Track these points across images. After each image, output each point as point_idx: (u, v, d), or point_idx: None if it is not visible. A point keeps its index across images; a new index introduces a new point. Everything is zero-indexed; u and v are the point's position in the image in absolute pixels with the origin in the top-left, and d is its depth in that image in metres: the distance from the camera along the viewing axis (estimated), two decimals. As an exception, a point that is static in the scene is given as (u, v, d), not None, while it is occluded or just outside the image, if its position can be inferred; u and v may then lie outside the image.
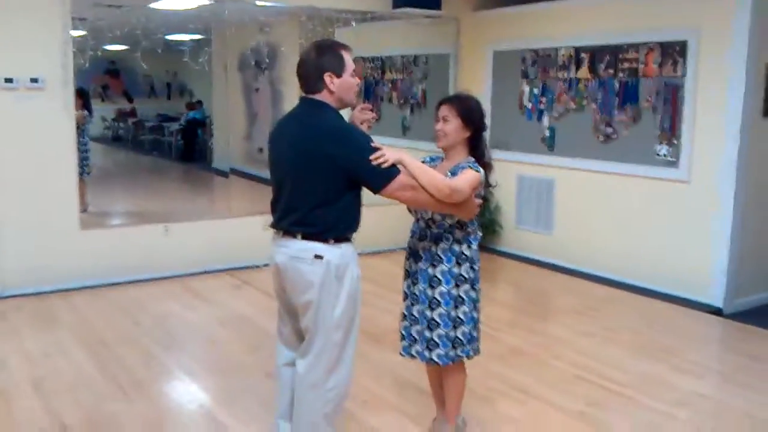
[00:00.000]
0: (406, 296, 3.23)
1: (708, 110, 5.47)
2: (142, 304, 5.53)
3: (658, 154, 5.81)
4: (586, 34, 6.32)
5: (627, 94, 6.02)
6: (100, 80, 13.63)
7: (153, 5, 7.35)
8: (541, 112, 6.81)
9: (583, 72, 6.37)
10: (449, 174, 3.00)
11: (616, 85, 6.09)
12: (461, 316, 3.11)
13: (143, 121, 14.51)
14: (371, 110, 3.09)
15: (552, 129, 6.70)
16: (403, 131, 8.24)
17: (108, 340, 4.74)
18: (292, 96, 9.71)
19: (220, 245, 6.47)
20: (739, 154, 5.32)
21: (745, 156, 5.35)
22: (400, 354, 3.31)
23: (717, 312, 5.42)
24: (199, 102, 13.36)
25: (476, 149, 3.12)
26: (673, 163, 5.70)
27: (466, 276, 3.10)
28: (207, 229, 6.50)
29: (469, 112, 3.09)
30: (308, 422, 2.90)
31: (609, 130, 6.18)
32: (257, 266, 6.47)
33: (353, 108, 3.01)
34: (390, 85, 8.41)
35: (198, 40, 10.12)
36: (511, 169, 7.03)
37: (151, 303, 5.56)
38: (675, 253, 5.73)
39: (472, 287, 3.14)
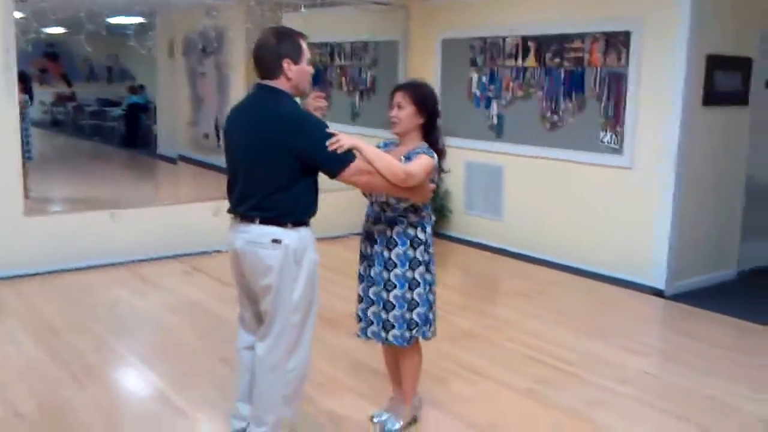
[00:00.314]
0: (362, 279, 3.28)
1: (650, 99, 5.65)
2: (90, 291, 5.44)
3: (602, 142, 5.97)
4: (534, 23, 6.44)
5: (573, 82, 6.17)
6: (38, 64, 13.24)
7: (96, -14, 7.19)
8: (489, 100, 6.91)
9: (530, 61, 6.50)
10: (404, 159, 3.05)
11: (562, 73, 6.23)
12: (416, 298, 3.18)
13: (83, 106, 14.15)
14: (324, 98, 3.11)
15: (500, 116, 6.82)
16: (353, 117, 8.26)
17: (57, 327, 4.66)
18: (238, 81, 9.64)
19: (169, 231, 6.40)
20: (680, 141, 5.51)
21: (685, 143, 5.54)
22: (357, 335, 3.37)
23: (659, 294, 5.62)
24: (141, 86, 13.09)
25: (430, 135, 3.18)
26: (617, 150, 5.87)
27: (421, 259, 3.16)
28: (155, 216, 6.42)
29: (422, 98, 3.14)
30: (268, 404, 2.93)
31: (555, 117, 6.32)
32: (207, 252, 6.44)
33: (306, 96, 3.01)
34: (339, 72, 8.41)
35: (141, 23, 9.93)
36: (460, 156, 7.11)
37: (100, 290, 5.48)
38: (619, 237, 5.92)
39: (427, 270, 3.20)
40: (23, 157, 5.95)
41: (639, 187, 5.78)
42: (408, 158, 3.06)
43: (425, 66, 7.44)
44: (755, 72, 5.93)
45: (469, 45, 7.03)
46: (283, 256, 2.77)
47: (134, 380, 4.02)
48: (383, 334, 3.22)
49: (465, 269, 6.58)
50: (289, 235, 2.78)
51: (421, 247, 3.16)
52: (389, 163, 2.86)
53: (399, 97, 3.13)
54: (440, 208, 7.23)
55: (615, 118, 5.87)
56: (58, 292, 5.40)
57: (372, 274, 3.21)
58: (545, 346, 4.53)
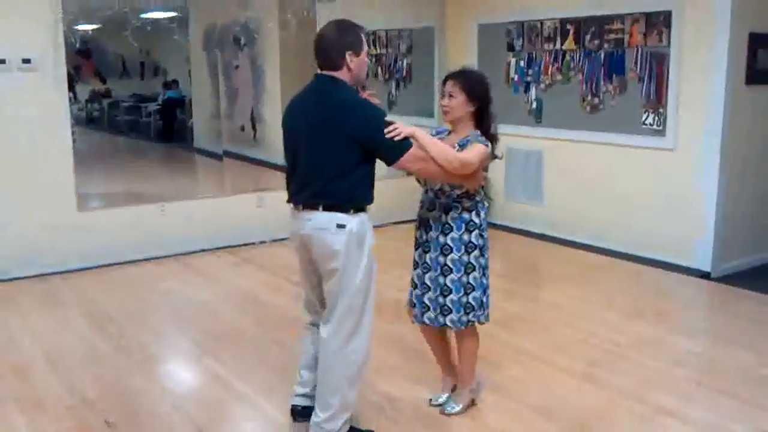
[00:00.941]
0: (416, 265, 3.36)
1: (692, 79, 5.62)
2: (144, 283, 5.58)
3: (644, 124, 5.95)
4: (571, 5, 6.42)
5: (613, 64, 6.15)
6: (72, 61, 13.44)
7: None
8: (527, 84, 6.92)
9: (569, 43, 6.48)
10: (457, 147, 3.11)
11: (602, 55, 6.21)
12: (472, 282, 3.24)
13: (119, 102, 14.35)
14: (375, 95, 3.16)
15: (539, 101, 6.82)
16: (389, 106, 8.30)
17: (116, 317, 4.80)
18: (273, 72, 9.72)
19: (216, 223, 6.51)
20: (723, 121, 5.48)
21: (728, 123, 5.51)
22: (413, 322, 3.43)
23: (705, 276, 5.61)
24: (175, 81, 13.24)
25: (482, 122, 3.22)
26: (660, 132, 5.85)
27: (476, 243, 3.22)
28: (201, 208, 6.54)
29: (473, 86, 3.19)
30: (333, 386, 3.03)
31: (596, 100, 6.31)
32: (253, 243, 6.56)
33: (362, 87, 3.07)
34: (375, 60, 8.45)
35: (173, 17, 10.03)
36: (500, 142, 7.12)
37: (153, 281, 5.62)
38: (663, 219, 5.91)
39: (482, 254, 3.26)
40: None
41: (682, 169, 5.76)
42: (461, 146, 3.12)
43: (462, 52, 7.45)
44: (799, 49, 5.87)
45: (506, 29, 7.03)
46: (347, 240, 2.87)
47: (196, 368, 4.13)
48: (441, 319, 3.29)
49: (508, 255, 6.61)
50: (352, 221, 2.87)
51: (476, 231, 3.22)
52: (444, 151, 2.94)
53: (450, 85, 3.19)
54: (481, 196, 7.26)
55: (657, 99, 5.85)
56: (113, 284, 5.54)
57: (428, 259, 3.28)
58: (595, 329, 4.56)
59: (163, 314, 4.90)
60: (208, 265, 6.04)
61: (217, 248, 6.45)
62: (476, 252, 3.23)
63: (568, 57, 6.52)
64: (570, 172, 6.65)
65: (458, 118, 3.21)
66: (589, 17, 6.28)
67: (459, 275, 3.23)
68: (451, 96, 3.18)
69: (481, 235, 3.25)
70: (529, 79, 6.90)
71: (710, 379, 3.85)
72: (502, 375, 3.89)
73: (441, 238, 3.23)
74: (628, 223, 6.19)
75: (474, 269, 3.23)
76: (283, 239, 6.73)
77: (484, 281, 3.30)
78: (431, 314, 3.33)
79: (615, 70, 6.14)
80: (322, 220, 2.88)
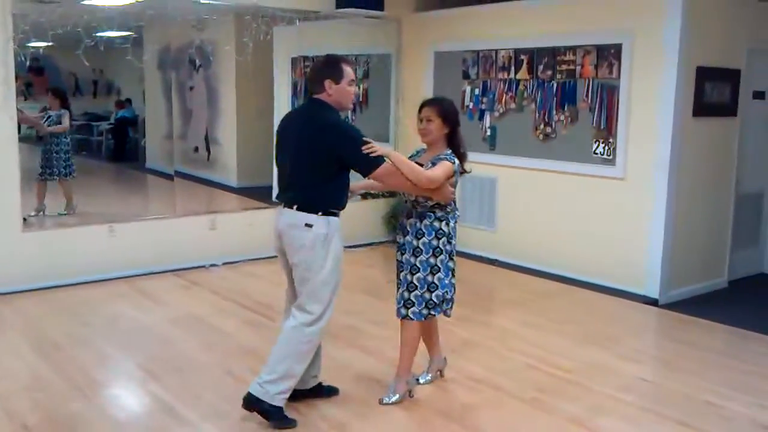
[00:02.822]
0: (399, 266, 3.79)
1: (642, 110, 5.76)
2: (90, 306, 5.44)
3: (595, 153, 6.07)
4: (526, 36, 6.54)
5: (565, 94, 6.27)
6: (24, 78, 13.18)
7: (86, 2, 7.20)
8: (482, 112, 7.00)
9: (523, 73, 6.60)
10: (430, 164, 3.60)
11: (555, 85, 6.33)
12: (436, 282, 3.69)
13: (70, 120, 14.07)
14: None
15: (493, 128, 6.91)
16: (345, 130, 8.31)
17: (59, 341, 4.67)
18: (229, 94, 9.68)
19: (165, 245, 6.41)
20: (671, 152, 5.62)
21: (676, 154, 5.65)
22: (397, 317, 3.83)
23: (653, 303, 5.71)
24: (128, 100, 13.07)
25: (453, 142, 3.73)
26: (610, 161, 5.97)
27: (443, 248, 3.68)
28: (151, 230, 6.43)
29: (447, 112, 3.72)
30: (284, 353, 3.49)
31: (548, 129, 6.42)
32: (204, 266, 6.47)
33: (348, 110, 3.75)
34: (332, 85, 8.46)
35: (128, 36, 9.93)
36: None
37: (100, 304, 5.48)
38: (613, 247, 6.01)
39: (450, 258, 3.72)
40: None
41: (631, 198, 5.87)
42: (433, 163, 3.60)
43: (418, 79, 7.53)
44: (743, 83, 6.07)
45: (462, 58, 7.12)
46: (313, 238, 3.36)
47: (140, 393, 4.03)
48: (403, 311, 3.73)
49: (461, 280, 6.50)
50: (319, 222, 3.37)
51: (444, 239, 3.68)
52: (412, 169, 3.45)
53: (427, 111, 3.70)
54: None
55: (607, 130, 5.97)
56: (57, 307, 5.39)
57: (403, 260, 3.74)
58: (545, 355, 4.59)
59: (109, 338, 4.78)
60: (157, 288, 5.92)
61: (167, 271, 6.34)
62: (443, 256, 3.68)
63: (521, 86, 6.63)
64: (523, 198, 6.73)
65: (434, 139, 3.70)
66: (543, 48, 6.40)
67: (425, 274, 3.67)
68: (429, 120, 3.67)
69: (449, 242, 3.71)
70: (483, 106, 6.99)
71: (657, 405, 3.90)
72: (452, 400, 3.89)
73: (414, 242, 3.69)
74: (578, 250, 6.27)
75: (439, 270, 3.69)
76: (235, 262, 6.67)
77: (446, 281, 3.72)
78: (403, 310, 3.74)
79: (567, 100, 6.26)
80: (294, 218, 3.39)
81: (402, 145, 7.69)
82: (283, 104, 9.04)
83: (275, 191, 3.63)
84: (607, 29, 5.93)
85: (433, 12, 7.46)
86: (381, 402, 3.80)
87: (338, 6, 7.09)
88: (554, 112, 6.36)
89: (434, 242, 3.66)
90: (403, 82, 7.76)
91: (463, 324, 5.14)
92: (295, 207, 3.40)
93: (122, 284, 5.97)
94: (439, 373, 4.13)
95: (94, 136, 13.59)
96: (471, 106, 7.09)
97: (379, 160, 3.36)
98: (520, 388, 4.05)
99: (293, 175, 3.44)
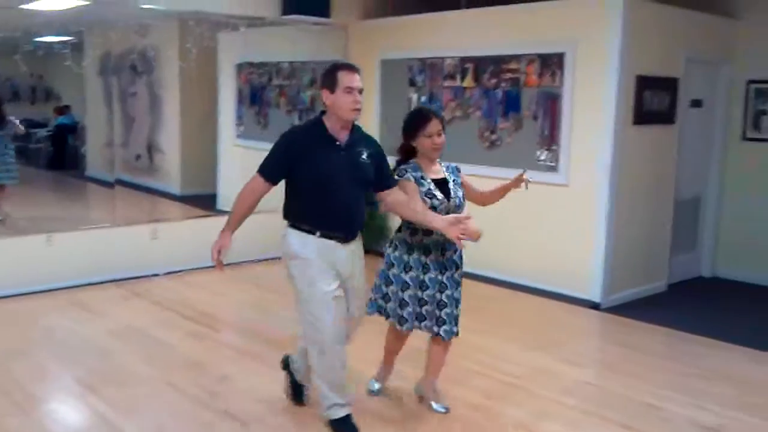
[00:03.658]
0: (424, 285, 3.68)
1: (584, 118, 5.86)
2: (28, 318, 5.27)
3: (539, 160, 6.15)
4: (471, 44, 6.60)
5: (510, 102, 6.34)
6: (-43, 83, 12.74)
7: (24, 6, 7.01)
8: (428, 119, 7.02)
9: (468, 81, 6.65)
10: (452, 175, 3.85)
11: (500, 94, 6.40)
12: (457, 296, 3.82)
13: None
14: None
15: (439, 136, 6.93)
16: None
17: (-7, 355, 4.50)
18: (172, 101, 9.52)
19: (106, 255, 6.25)
20: (612, 159, 5.74)
21: (617, 161, 5.76)
22: (403, 329, 3.84)
23: (595, 306, 5.81)
24: (67, 107, 12.75)
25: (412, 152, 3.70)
26: (553, 168, 6.06)
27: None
28: (92, 239, 6.27)
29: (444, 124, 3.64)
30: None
31: (493, 137, 6.48)
32: (146, 276, 6.34)
33: (349, 121, 3.32)
34: (278, 91, 8.40)
35: (67, 41, 9.69)
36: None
37: (37, 316, 5.31)
38: (556, 253, 6.09)
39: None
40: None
41: (574, 204, 5.97)
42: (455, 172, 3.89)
43: (365, 86, 7.47)
44: (681, 92, 6.23)
45: (408, 65, 7.15)
46: (282, 246, 3.38)
47: (80, 407, 3.90)
48: (435, 329, 3.79)
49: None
50: (289, 232, 3.35)
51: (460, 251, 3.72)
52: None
53: (439, 124, 3.58)
54: (380, 228, 7.29)
55: (551, 137, 6.06)
56: (-9, 319, 5.21)
57: (444, 279, 3.73)
58: (491, 360, 4.61)
59: (47, 351, 4.63)
60: (97, 300, 5.76)
61: (107, 281, 6.18)
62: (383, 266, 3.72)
63: (467, 94, 6.68)
64: (469, 205, 6.74)
65: None
66: (488, 57, 6.47)
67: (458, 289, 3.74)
68: (441, 134, 3.58)
69: (396, 249, 3.72)
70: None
71: (599, 408, 3.95)
72: (400, 408, 3.87)
73: (454, 257, 3.70)
74: (523, 256, 6.34)
75: (460, 284, 3.74)
76: (178, 271, 6.54)
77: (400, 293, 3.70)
78: (428, 323, 3.71)
79: (512, 108, 6.34)
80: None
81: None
82: (227, 111, 8.95)
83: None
84: (550, 39, 6.02)
85: (380, 20, 7.47)
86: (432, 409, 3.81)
87: (284, 13, 7.05)
88: (499, 119, 6.43)
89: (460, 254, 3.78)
90: (350, 90, 7.74)
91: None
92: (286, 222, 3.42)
93: (61, 295, 5.80)
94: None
95: (32, 144, 13.22)
96: (417, 114, 7.10)
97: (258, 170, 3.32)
98: (467, 395, 4.07)
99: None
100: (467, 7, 6.90)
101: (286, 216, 3.38)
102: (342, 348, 3.40)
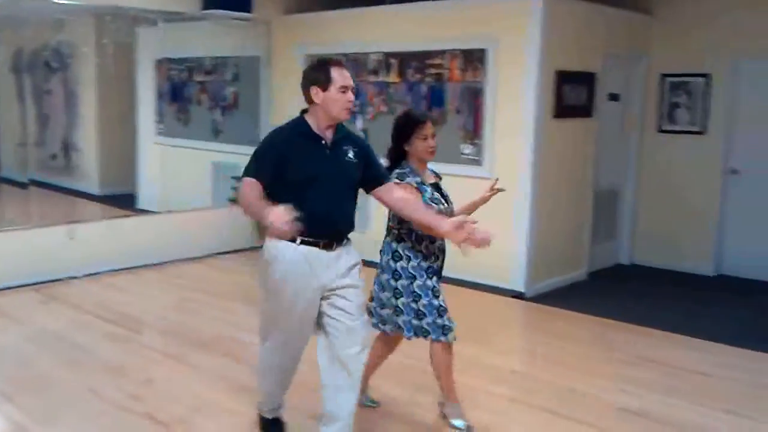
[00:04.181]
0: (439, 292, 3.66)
1: (506, 113, 5.96)
2: (-66, 326, 5.01)
3: (463, 154, 6.22)
4: (395, 40, 6.62)
5: (434, 97, 6.39)
6: None
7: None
8: (354, 115, 7.02)
9: (393, 76, 6.67)
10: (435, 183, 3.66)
11: (424, 88, 6.44)
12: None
13: None
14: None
15: (365, 131, 6.94)
16: (215, 134, 8.12)
17: None
18: (89, 98, 9.21)
19: (20, 258, 6.00)
20: (534, 152, 5.85)
21: (539, 154, 5.88)
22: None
23: (519, 296, 5.91)
24: (-26, 104, 12.19)
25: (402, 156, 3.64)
26: (477, 162, 6.13)
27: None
28: (5, 242, 6.00)
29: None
30: None
31: (418, 131, 6.50)
32: (62, 279, 6.11)
33: (340, 121, 3.09)
34: (199, 87, 8.24)
35: (-23, 38, 9.28)
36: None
37: (-55, 323, 5.06)
38: (482, 244, 6.16)
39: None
40: None
41: (498, 196, 6.01)
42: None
43: (288, 82, 7.44)
44: (599, 86, 6.40)
45: (332, 61, 7.10)
46: (261, 258, 3.10)
47: (-8, 418, 3.74)
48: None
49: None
50: (267, 243, 3.07)
51: (401, 261, 3.57)
52: None
53: (431, 128, 3.55)
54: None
55: (474, 131, 6.14)
56: None
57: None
58: (419, 353, 4.61)
59: (-43, 360, 4.41)
60: (13, 304, 5.53)
61: (24, 285, 5.92)
62: (402, 280, 3.61)
63: (392, 89, 6.70)
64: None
65: None
66: (412, 52, 6.50)
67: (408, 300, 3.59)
68: (434, 136, 3.54)
69: (410, 261, 3.65)
70: (355, 109, 6.99)
71: (526, 395, 4.03)
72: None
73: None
74: (447, 249, 6.38)
75: (402, 296, 3.60)
76: (98, 273, 6.34)
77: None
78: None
79: (436, 103, 6.39)
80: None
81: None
82: (147, 108, 8.72)
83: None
84: (473, 35, 6.09)
85: (303, 14, 7.41)
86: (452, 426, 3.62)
87: (204, 7, 6.90)
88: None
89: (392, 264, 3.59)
90: (273, 86, 7.66)
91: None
92: None
93: (-28, 301, 5.54)
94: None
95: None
96: (342, 109, 7.08)
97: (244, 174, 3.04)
98: (398, 389, 4.07)
99: None
100: (391, 3, 6.91)
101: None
102: (290, 374, 3.30)
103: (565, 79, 6.01)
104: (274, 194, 2.95)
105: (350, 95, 3.01)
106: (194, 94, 8.27)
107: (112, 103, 8.95)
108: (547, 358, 4.63)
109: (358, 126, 6.97)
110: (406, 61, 6.55)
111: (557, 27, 5.84)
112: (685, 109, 6.84)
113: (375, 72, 6.79)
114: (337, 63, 3.03)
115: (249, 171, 3.00)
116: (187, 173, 8.35)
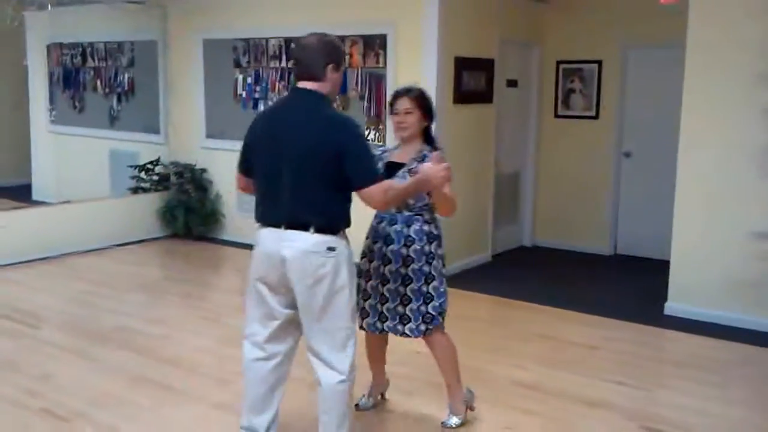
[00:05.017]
0: (372, 276, 3.39)
1: (408, 98, 6.01)
2: None
3: (366, 139, 6.23)
4: (295, 25, 6.55)
5: (336, 83, 6.38)
6: None
7: None
8: (256, 101, 6.94)
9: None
10: (416, 163, 3.20)
11: (326, 74, 6.42)
12: (431, 291, 3.32)
13: None
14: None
15: (267, 117, 6.87)
16: (111, 122, 7.86)
17: None
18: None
19: None
20: (436, 137, 5.92)
21: (440, 140, 5.92)
22: (362, 328, 3.41)
23: (425, 279, 6.01)
24: None
25: (430, 137, 3.40)
26: (381, 147, 6.16)
27: (435, 252, 3.31)
28: None
29: (428, 103, 3.33)
30: (335, 419, 2.93)
31: (321, 117, 6.50)
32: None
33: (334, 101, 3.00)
34: (94, 73, 7.95)
35: None
36: (229, 158, 7.04)
37: None
38: (386, 229, 6.23)
39: (442, 263, 3.37)
40: None
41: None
42: (422, 161, 3.18)
43: (187, 67, 7.29)
44: (497, 72, 6.55)
45: (233, 46, 7.00)
46: (336, 263, 2.84)
47: None
48: (399, 327, 3.36)
49: (242, 272, 6.54)
50: (341, 243, 2.87)
51: (435, 242, 3.32)
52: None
53: (405, 102, 3.27)
54: (211, 213, 7.13)
55: (377, 117, 6.18)
56: None
57: (386, 271, 3.33)
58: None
59: None
60: None
61: None
62: (435, 262, 3.30)
63: (293, 75, 6.64)
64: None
65: (413, 134, 3.30)
66: (312, 36, 6.45)
67: (419, 285, 3.29)
68: (408, 112, 3.26)
69: (440, 245, 3.34)
70: (257, 95, 6.93)
71: (429, 375, 4.10)
72: (230, 390, 3.82)
73: (403, 250, 3.28)
74: (352, 237, 6.41)
75: (434, 279, 3.30)
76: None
77: (443, 290, 3.35)
78: (390, 323, 3.37)
79: (339, 88, 6.37)
80: (312, 242, 2.77)
81: (174, 136, 7.42)
82: (39, 96, 8.36)
83: (259, 209, 2.92)
84: (372, 20, 6.12)
85: (201, -2, 7.26)
86: (443, 425, 3.50)
87: (96, -11, 6.67)
88: (339, 99, 6.46)
89: (426, 248, 3.28)
90: (172, 71, 7.47)
91: (241, 315, 5.08)
92: (311, 229, 2.77)
93: None
94: (380, 396, 3.79)
95: None
96: (244, 95, 7.00)
97: (372, 176, 2.78)
98: (303, 373, 4.07)
99: (299, 188, 2.77)
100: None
101: (337, 223, 2.93)
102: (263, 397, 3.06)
103: (463, 65, 6.12)
104: (340, 182, 2.78)
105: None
106: (89, 81, 7.98)
107: (3, 90, 8.54)
108: (455, 340, 4.72)
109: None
110: (307, 46, 6.51)
111: (454, 13, 5.93)
112: (580, 94, 7.10)
113: (276, 57, 6.73)
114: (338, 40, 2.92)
115: (378, 171, 2.88)
116: (83, 162, 8.07)
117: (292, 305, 2.91)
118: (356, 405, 3.60)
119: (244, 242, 7.08)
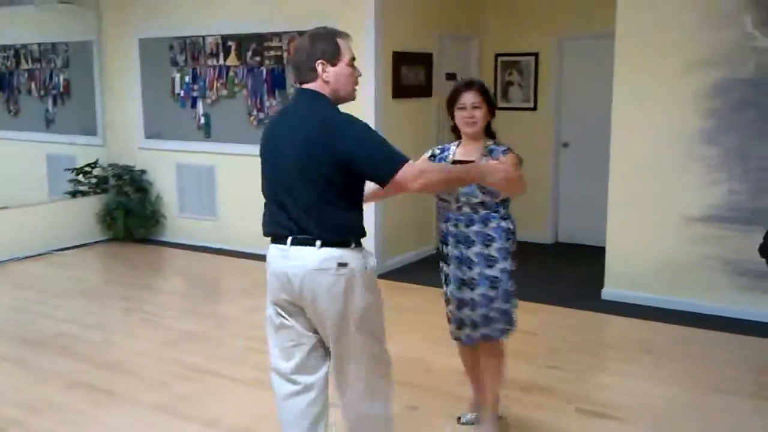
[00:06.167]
0: (462, 282, 3.23)
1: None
2: None
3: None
4: (232, 22, 6.52)
5: (275, 80, 6.37)
6: None
7: None
8: (194, 100, 6.87)
9: (232, 59, 6.58)
10: (486, 159, 3.06)
11: (264, 72, 6.40)
12: (511, 289, 3.23)
13: None
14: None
15: (207, 116, 6.81)
16: (47, 125, 7.69)
17: None
18: None
19: None
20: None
21: (381, 134, 5.98)
22: (462, 342, 3.34)
23: (370, 273, 6.03)
24: None
25: (491, 131, 3.24)
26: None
27: (511, 249, 3.20)
28: None
29: (491, 97, 3.19)
30: None
31: (261, 114, 6.48)
32: None
33: (349, 100, 2.65)
34: (27, 76, 7.77)
35: None
36: (169, 158, 7.02)
37: None
38: (330, 225, 6.23)
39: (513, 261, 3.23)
40: None
41: (344, 177, 6.13)
42: (493, 156, 3.09)
43: (124, 67, 7.18)
44: (436, 66, 6.60)
45: (169, 44, 6.92)
46: (349, 279, 2.50)
47: None
48: (485, 330, 3.20)
49: (184, 273, 6.50)
50: (354, 258, 2.51)
51: (512, 239, 3.21)
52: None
53: (472, 97, 3.12)
54: (152, 214, 7.04)
55: (316, 113, 6.17)
56: None
57: (475, 275, 3.18)
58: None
59: None
60: None
61: None
62: (511, 260, 3.19)
63: (232, 72, 6.60)
64: (242, 185, 6.72)
65: (479, 129, 3.15)
66: (249, 34, 6.43)
67: (507, 286, 3.19)
68: (476, 107, 3.11)
69: (514, 241, 3.23)
70: (195, 94, 6.86)
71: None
72: (171, 394, 3.79)
73: (485, 251, 3.15)
74: (299, 232, 6.42)
75: (511, 278, 3.19)
76: None
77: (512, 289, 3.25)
78: (484, 330, 3.21)
79: (278, 85, 6.37)
80: (319, 259, 2.47)
81: (112, 137, 7.31)
82: (-29, 99, 8.13)
83: (264, 222, 2.68)
84: (309, 16, 6.08)
85: (135, -3, 7.15)
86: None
87: (25, -10, 6.52)
88: (266, 97, 6.43)
89: (506, 245, 3.16)
90: (108, 72, 7.34)
91: (184, 317, 5.07)
92: (318, 243, 2.47)
93: None
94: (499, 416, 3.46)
95: None
96: (182, 94, 6.92)
97: (400, 158, 2.47)
98: (241, 372, 4.07)
99: (299, 198, 2.50)
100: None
101: (347, 236, 2.55)
102: None
103: (402, 60, 6.16)
104: (349, 188, 2.51)
105: (359, 70, 2.63)
106: (23, 83, 7.80)
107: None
108: (394, 331, 4.68)
109: (199, 111, 6.84)
110: (244, 43, 6.48)
111: (391, 9, 5.96)
112: (518, 86, 7.20)
113: (214, 55, 6.67)
114: (342, 33, 2.59)
115: (397, 153, 2.51)
116: (20, 167, 7.88)
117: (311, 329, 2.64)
118: (458, 418, 3.52)
119: (186, 243, 7.04)
